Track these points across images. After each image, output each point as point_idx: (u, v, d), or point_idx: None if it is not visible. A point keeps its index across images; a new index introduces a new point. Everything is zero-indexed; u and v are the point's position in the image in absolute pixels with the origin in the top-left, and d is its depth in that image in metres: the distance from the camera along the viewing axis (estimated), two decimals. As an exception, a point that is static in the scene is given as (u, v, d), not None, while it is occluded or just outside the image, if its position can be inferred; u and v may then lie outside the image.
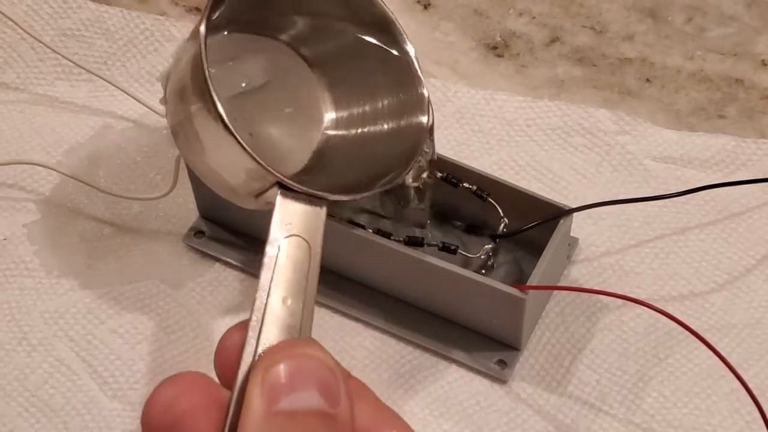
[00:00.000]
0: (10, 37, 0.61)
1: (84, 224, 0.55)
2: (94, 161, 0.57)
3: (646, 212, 0.54)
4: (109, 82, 0.58)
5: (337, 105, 0.48)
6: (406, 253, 0.48)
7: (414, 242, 0.50)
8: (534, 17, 0.62)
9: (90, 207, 0.55)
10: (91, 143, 0.57)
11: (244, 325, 0.32)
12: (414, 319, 0.51)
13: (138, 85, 0.59)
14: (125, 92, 0.57)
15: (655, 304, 0.47)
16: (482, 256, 0.51)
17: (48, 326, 0.51)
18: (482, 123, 0.58)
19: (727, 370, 0.46)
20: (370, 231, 0.50)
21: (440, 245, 0.50)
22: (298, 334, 0.32)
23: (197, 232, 0.54)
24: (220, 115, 0.38)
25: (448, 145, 0.57)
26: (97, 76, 0.58)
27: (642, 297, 0.49)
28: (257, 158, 0.38)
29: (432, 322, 0.51)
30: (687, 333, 0.46)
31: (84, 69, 0.58)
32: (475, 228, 0.52)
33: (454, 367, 0.50)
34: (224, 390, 0.31)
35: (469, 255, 0.51)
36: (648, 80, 0.59)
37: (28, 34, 0.59)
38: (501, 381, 0.50)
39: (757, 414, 0.45)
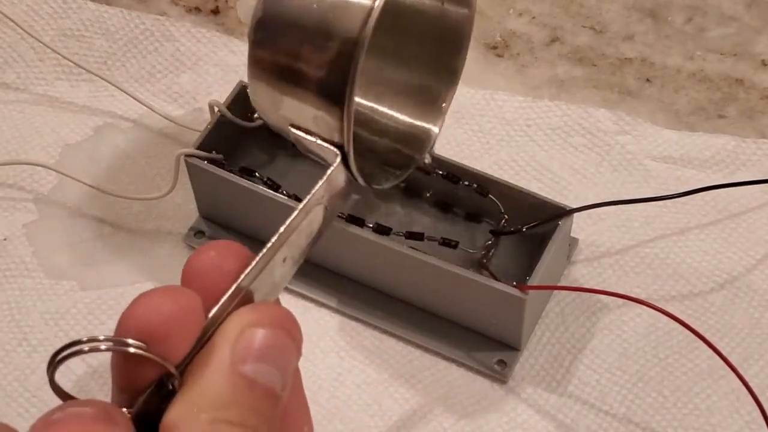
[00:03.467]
0: (10, 37, 0.60)
1: (84, 224, 0.55)
2: (94, 161, 0.57)
3: (646, 212, 0.54)
4: (109, 82, 0.58)
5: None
6: (407, 252, 0.48)
7: (414, 236, 0.50)
8: (534, 17, 0.62)
9: (90, 207, 0.55)
10: (91, 143, 0.57)
11: (229, 249, 0.31)
12: (414, 319, 0.51)
13: (138, 85, 0.59)
14: (125, 92, 0.57)
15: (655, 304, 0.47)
16: (482, 252, 0.51)
17: (48, 327, 0.51)
18: (482, 123, 0.58)
19: (727, 369, 0.46)
20: (370, 227, 0.50)
21: (440, 240, 0.50)
22: (275, 292, 0.32)
23: (197, 232, 0.54)
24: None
25: (448, 145, 0.57)
26: (97, 76, 0.58)
27: (642, 297, 0.49)
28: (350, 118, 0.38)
29: (432, 322, 0.51)
30: (687, 333, 0.46)
31: (84, 69, 0.58)
32: (476, 217, 0.52)
33: (454, 367, 0.50)
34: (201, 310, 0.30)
35: (470, 250, 0.51)
36: (648, 80, 0.59)
37: (28, 34, 0.59)
38: (501, 381, 0.50)
39: (756, 414, 0.46)
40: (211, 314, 0.29)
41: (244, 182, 0.51)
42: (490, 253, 0.51)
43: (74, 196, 0.55)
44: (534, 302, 0.48)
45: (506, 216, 0.51)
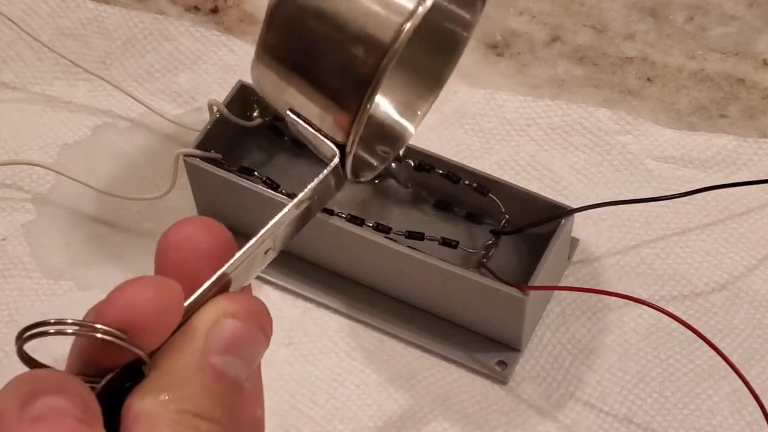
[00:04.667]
0: (8, 36, 0.60)
1: (83, 224, 0.54)
2: (92, 161, 0.57)
3: (646, 212, 0.54)
4: (108, 82, 0.58)
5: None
6: (407, 252, 0.48)
7: (414, 236, 0.50)
8: (534, 16, 0.62)
9: (88, 207, 0.55)
10: (89, 143, 0.57)
11: (206, 227, 0.31)
12: (414, 319, 0.51)
13: (137, 85, 0.59)
14: (124, 91, 0.57)
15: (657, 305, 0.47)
16: (482, 252, 0.51)
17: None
18: (482, 122, 0.58)
19: (729, 370, 0.46)
20: (370, 226, 0.50)
21: (440, 240, 0.50)
22: (250, 278, 0.32)
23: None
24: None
25: (448, 145, 0.56)
26: (95, 75, 0.58)
27: (643, 297, 0.49)
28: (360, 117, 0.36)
29: (432, 322, 0.51)
30: (688, 333, 0.46)
31: (82, 68, 0.58)
32: (476, 217, 0.52)
33: (454, 368, 0.50)
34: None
35: (470, 250, 0.51)
36: (649, 79, 0.59)
37: (26, 33, 0.59)
38: (501, 381, 0.49)
39: (758, 414, 0.45)
40: (189, 301, 0.29)
41: (244, 182, 0.51)
42: (490, 253, 0.51)
43: (72, 196, 0.55)
44: (534, 302, 0.48)
45: (506, 216, 0.51)
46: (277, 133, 0.54)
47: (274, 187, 0.51)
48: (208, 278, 0.30)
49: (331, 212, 0.50)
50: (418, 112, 0.45)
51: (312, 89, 0.36)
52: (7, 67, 0.60)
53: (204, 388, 0.28)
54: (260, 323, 0.30)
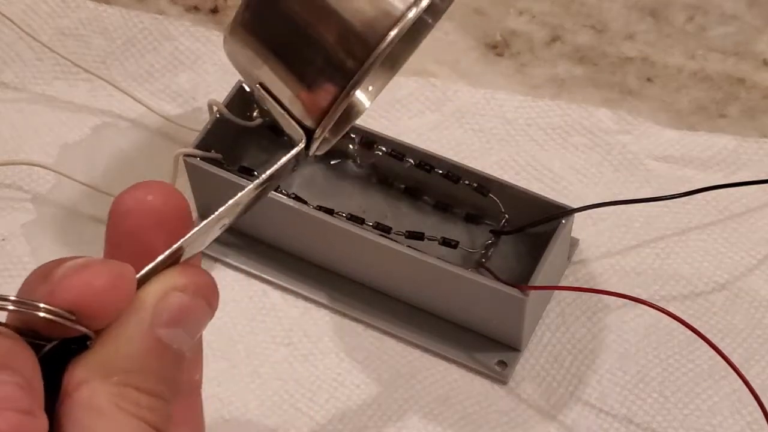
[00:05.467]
0: (8, 37, 0.60)
1: (83, 224, 0.54)
2: (92, 161, 0.57)
3: (646, 212, 0.54)
4: (108, 82, 0.58)
5: None
6: (407, 252, 0.48)
7: (414, 236, 0.50)
8: (534, 16, 0.62)
9: (88, 207, 0.55)
10: (89, 143, 0.57)
11: (162, 191, 0.31)
12: (414, 319, 0.51)
13: (137, 85, 0.59)
14: (124, 92, 0.57)
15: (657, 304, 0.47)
16: (482, 252, 0.51)
17: (46, 327, 0.51)
18: (482, 122, 0.58)
19: (729, 370, 0.46)
20: (370, 226, 0.50)
21: (440, 240, 0.50)
22: (199, 248, 0.32)
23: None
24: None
25: (448, 145, 0.56)
26: (95, 75, 0.58)
27: (643, 297, 0.49)
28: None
29: (432, 322, 0.51)
30: (688, 333, 0.46)
31: (82, 68, 0.58)
32: (476, 217, 0.52)
33: (454, 368, 0.50)
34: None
35: (470, 250, 0.51)
36: (649, 79, 0.59)
37: (26, 33, 0.59)
38: (501, 381, 0.49)
39: (758, 414, 0.45)
40: (141, 274, 0.29)
41: (244, 182, 0.51)
42: (490, 253, 0.51)
43: (72, 196, 0.55)
44: (534, 302, 0.48)
45: (506, 216, 0.51)
46: (277, 133, 0.54)
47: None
48: (161, 248, 0.30)
49: (331, 212, 0.50)
50: (370, 88, 0.44)
51: (287, 74, 0.35)
52: (7, 67, 0.60)
53: (147, 361, 0.28)
54: (207, 297, 0.30)
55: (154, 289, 0.29)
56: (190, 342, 0.29)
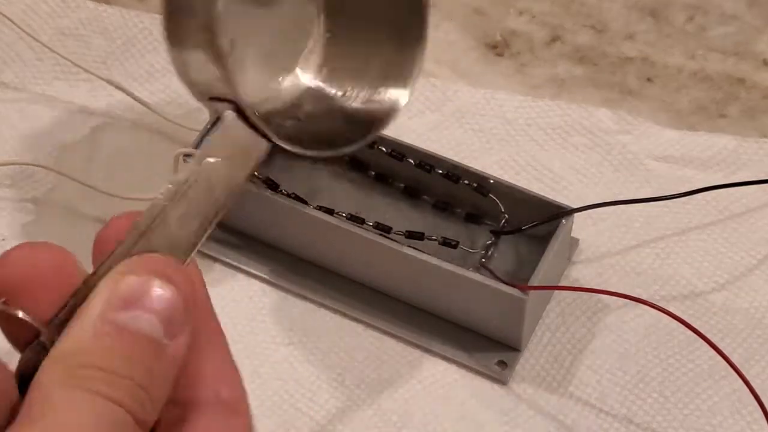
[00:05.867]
0: (8, 37, 0.60)
1: (83, 224, 0.54)
2: (92, 161, 0.57)
3: (646, 212, 0.54)
4: (108, 82, 0.58)
5: (327, 57, 0.45)
6: (407, 252, 0.48)
7: (414, 236, 0.50)
8: (534, 16, 0.62)
9: (89, 207, 0.55)
10: (89, 143, 0.57)
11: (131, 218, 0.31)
12: (414, 319, 0.51)
13: (137, 85, 0.59)
14: (124, 91, 0.57)
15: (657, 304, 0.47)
16: (482, 252, 0.51)
17: (46, 327, 0.51)
18: (482, 122, 0.58)
19: (729, 370, 0.46)
20: (370, 225, 0.50)
21: (440, 240, 0.50)
22: (182, 256, 0.31)
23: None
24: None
25: (448, 145, 0.56)
26: (95, 75, 0.58)
27: (643, 297, 0.49)
28: (221, 67, 0.37)
29: (432, 322, 0.51)
30: (688, 333, 0.46)
31: (82, 68, 0.58)
32: (476, 217, 0.52)
33: (454, 368, 0.50)
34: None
35: (470, 250, 0.51)
36: (649, 79, 0.59)
37: (26, 33, 0.59)
38: (501, 382, 0.49)
39: (758, 414, 0.45)
40: (92, 272, 0.29)
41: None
42: (490, 253, 0.51)
43: (73, 196, 0.55)
44: (534, 302, 0.48)
45: (506, 216, 0.51)
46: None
47: (274, 187, 0.51)
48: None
49: (331, 212, 0.50)
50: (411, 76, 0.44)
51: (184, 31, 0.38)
52: (7, 67, 0.60)
53: (102, 342, 0.27)
54: (166, 275, 0.29)
55: (107, 278, 0.29)
56: (159, 326, 0.28)
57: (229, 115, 0.36)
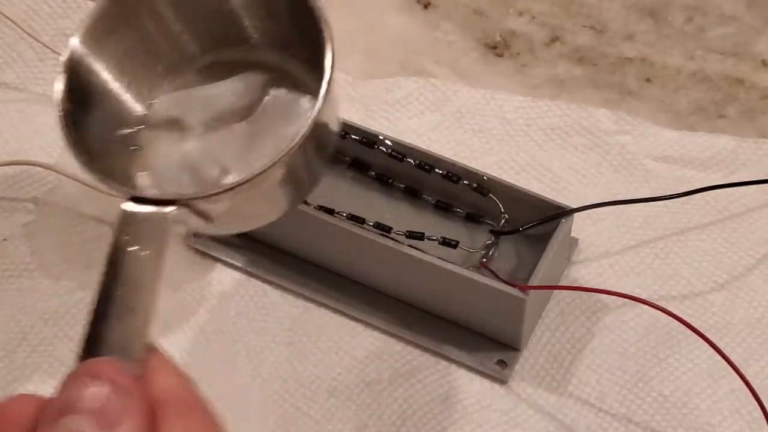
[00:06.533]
0: (9, 37, 0.60)
1: (84, 224, 0.55)
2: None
3: (646, 212, 0.54)
4: (109, 82, 0.58)
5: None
6: (407, 252, 0.48)
7: (414, 236, 0.50)
8: (534, 17, 0.62)
9: (89, 207, 0.55)
10: (90, 143, 0.57)
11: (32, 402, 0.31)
12: (414, 319, 0.51)
13: (137, 85, 0.59)
14: (125, 92, 0.57)
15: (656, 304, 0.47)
16: (482, 252, 0.51)
17: (48, 327, 0.51)
18: (482, 123, 0.58)
19: (728, 369, 0.46)
20: (370, 225, 0.50)
21: (440, 240, 0.50)
22: (130, 351, 0.32)
23: (196, 233, 0.54)
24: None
25: (448, 145, 0.57)
26: (96, 75, 0.58)
27: (642, 297, 0.49)
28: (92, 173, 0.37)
29: (432, 322, 0.51)
30: (687, 333, 0.46)
31: (83, 69, 0.58)
32: (476, 217, 0.52)
33: (454, 367, 0.50)
34: None
35: (470, 250, 0.51)
36: (648, 80, 0.59)
37: (28, 33, 0.59)
38: (501, 381, 0.50)
39: (757, 414, 0.45)
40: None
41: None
42: (490, 253, 0.51)
43: (73, 196, 0.55)
44: (534, 302, 0.48)
45: (506, 216, 0.51)
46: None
47: (275, 187, 0.51)
48: None
49: (331, 212, 0.50)
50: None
51: None
52: (9, 68, 0.60)
53: None
54: (101, 375, 0.30)
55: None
56: (91, 421, 0.29)
57: (123, 207, 0.36)
